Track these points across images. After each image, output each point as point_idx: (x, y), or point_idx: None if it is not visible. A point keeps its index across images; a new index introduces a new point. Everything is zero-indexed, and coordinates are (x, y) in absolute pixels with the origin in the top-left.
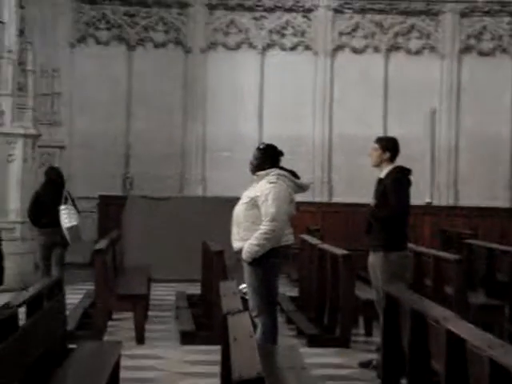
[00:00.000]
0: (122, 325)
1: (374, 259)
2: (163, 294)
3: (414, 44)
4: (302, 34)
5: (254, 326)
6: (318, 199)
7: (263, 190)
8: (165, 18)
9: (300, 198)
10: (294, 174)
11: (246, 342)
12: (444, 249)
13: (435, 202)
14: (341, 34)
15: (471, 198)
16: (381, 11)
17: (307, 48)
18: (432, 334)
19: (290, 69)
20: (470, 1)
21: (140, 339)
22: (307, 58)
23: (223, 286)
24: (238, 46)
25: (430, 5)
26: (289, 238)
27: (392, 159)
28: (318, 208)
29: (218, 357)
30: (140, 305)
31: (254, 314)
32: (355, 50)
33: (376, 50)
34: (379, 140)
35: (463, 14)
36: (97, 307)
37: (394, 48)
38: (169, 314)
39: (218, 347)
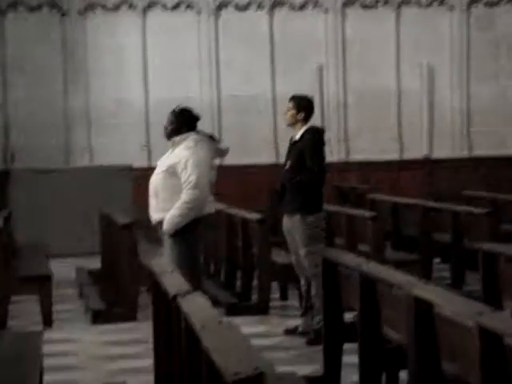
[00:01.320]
0: (22, 307)
1: (290, 223)
2: (61, 270)
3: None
4: None
5: None
6: None
7: (181, 156)
8: None
9: None
10: (212, 137)
11: (219, 330)
12: (340, 205)
13: (329, 159)
14: None
15: (361, 152)
16: None
17: (189, 7)
18: (385, 300)
19: (173, 29)
20: None
21: (48, 322)
22: (190, 18)
23: (157, 264)
24: (117, 7)
25: None
26: (211, 207)
27: (306, 119)
28: None
29: (134, 335)
30: (46, 286)
31: None
32: (239, 8)
33: (260, 6)
34: (293, 99)
35: None
36: None
37: (277, 4)
38: (71, 292)
39: (131, 324)
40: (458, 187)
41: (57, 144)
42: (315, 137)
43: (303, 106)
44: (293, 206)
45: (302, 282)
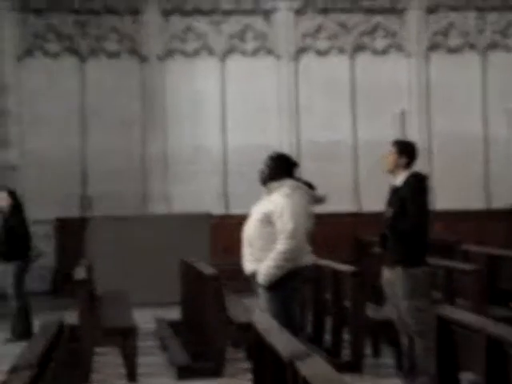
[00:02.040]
0: (105, 360)
1: (391, 275)
2: (140, 321)
3: (380, 43)
4: (263, 37)
5: None
6: None
7: (278, 203)
8: (117, 26)
9: None
10: (309, 185)
11: None
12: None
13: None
14: (303, 35)
15: (448, 200)
16: (344, 10)
17: (269, 52)
18: None
19: (252, 75)
20: None
21: (132, 377)
22: (270, 63)
23: (260, 321)
24: (196, 53)
25: (395, 2)
26: (308, 258)
27: (409, 165)
28: None
29: None
30: (130, 338)
31: None
32: (319, 53)
33: (341, 51)
34: (396, 143)
35: (429, 11)
36: (83, 344)
37: (359, 48)
38: (152, 344)
39: (220, 381)
40: None
41: (134, 191)
42: (418, 183)
43: (406, 150)
44: (395, 257)
45: (405, 339)
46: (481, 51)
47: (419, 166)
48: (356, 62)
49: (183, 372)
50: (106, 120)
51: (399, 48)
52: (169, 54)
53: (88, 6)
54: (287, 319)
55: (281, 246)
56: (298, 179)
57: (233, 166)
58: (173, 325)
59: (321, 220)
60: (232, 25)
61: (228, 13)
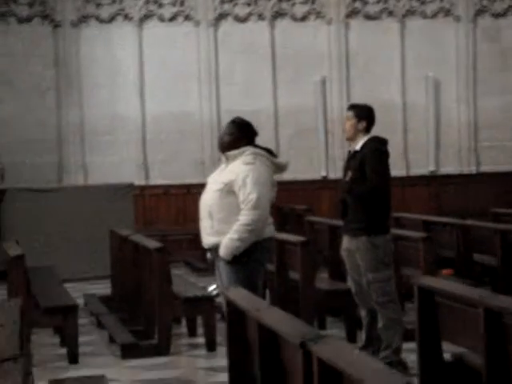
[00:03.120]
0: (40, 340)
1: (352, 244)
2: None
3: (300, 9)
4: (181, 3)
5: None
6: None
7: (239, 172)
8: None
9: (193, 179)
10: (270, 152)
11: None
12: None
13: (331, 176)
14: (222, 1)
15: None
16: None
17: (187, 18)
18: None
19: (170, 41)
20: None
21: (74, 357)
22: (188, 29)
23: (240, 296)
24: (112, 19)
25: None
26: (271, 229)
27: (368, 129)
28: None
29: (173, 373)
30: (71, 317)
31: None
32: (238, 19)
33: (260, 17)
34: (353, 107)
35: None
36: (22, 326)
37: (278, 14)
38: (86, 322)
39: (164, 359)
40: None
41: (49, 162)
42: (378, 147)
43: (364, 115)
44: (357, 226)
45: (364, 312)
46: (399, 18)
47: (338, 134)
48: (275, 29)
49: (127, 350)
50: (17, 89)
51: (318, 14)
52: (83, 19)
53: None
54: (251, 293)
55: (244, 217)
56: (258, 146)
57: (151, 135)
58: (104, 300)
59: None
60: None
61: None
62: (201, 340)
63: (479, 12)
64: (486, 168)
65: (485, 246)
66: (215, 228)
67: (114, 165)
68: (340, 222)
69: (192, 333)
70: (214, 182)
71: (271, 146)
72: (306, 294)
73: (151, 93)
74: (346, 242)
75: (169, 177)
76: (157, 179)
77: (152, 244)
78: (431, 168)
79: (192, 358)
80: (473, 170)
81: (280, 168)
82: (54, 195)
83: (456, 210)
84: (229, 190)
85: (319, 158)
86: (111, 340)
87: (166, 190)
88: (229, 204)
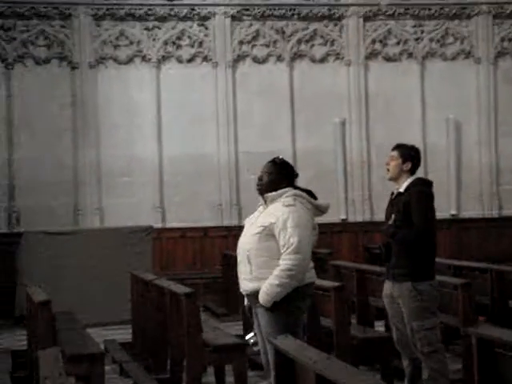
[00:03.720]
0: None
1: (396, 291)
2: None
3: (318, 51)
4: (200, 44)
5: None
6: (226, 222)
7: (279, 215)
8: (46, 31)
9: (209, 222)
10: (311, 193)
11: None
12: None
13: (351, 219)
14: (240, 42)
15: None
16: (282, 17)
17: (206, 59)
18: None
19: (188, 82)
20: (372, 4)
21: None
22: (206, 70)
23: (295, 346)
24: (129, 60)
25: (333, 9)
26: (312, 274)
27: (413, 171)
28: (228, 232)
29: None
30: (97, 365)
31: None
32: (257, 60)
33: (279, 58)
34: (399, 147)
35: (366, 18)
36: (42, 373)
37: (297, 56)
38: (108, 369)
39: None
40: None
41: (65, 204)
42: (424, 189)
43: (410, 155)
44: (401, 271)
45: (406, 362)
46: (419, 60)
47: (357, 176)
48: (294, 70)
49: None
50: (34, 130)
51: (338, 56)
52: (101, 60)
53: (15, 9)
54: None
55: (285, 262)
56: (298, 187)
57: (169, 177)
58: (125, 346)
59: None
60: (167, 31)
61: (163, 18)
62: None
63: (499, 54)
64: (508, 212)
65: None
66: (254, 273)
67: (130, 207)
68: (366, 267)
69: (220, 382)
70: (252, 225)
71: None
72: (340, 341)
73: (168, 134)
74: (389, 288)
75: (185, 219)
76: (173, 222)
77: (181, 289)
78: (452, 211)
79: None
80: (495, 213)
81: (321, 210)
82: (71, 238)
83: (477, 254)
84: (268, 234)
85: (338, 201)
86: None
87: (183, 232)
88: (268, 248)
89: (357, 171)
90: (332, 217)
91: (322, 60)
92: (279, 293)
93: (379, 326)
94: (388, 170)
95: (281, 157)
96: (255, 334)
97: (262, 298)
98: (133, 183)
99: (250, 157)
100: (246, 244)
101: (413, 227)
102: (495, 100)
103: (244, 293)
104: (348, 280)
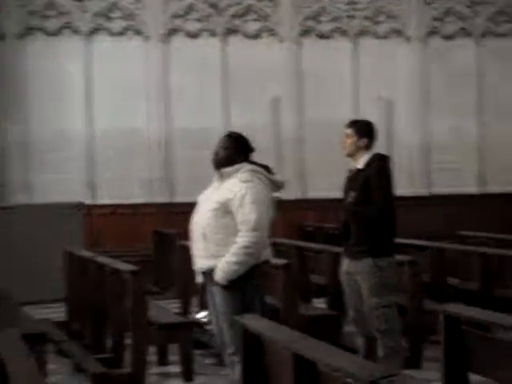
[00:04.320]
0: None
1: (355, 267)
2: None
3: (252, 27)
4: (131, 17)
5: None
6: (158, 199)
7: (236, 191)
8: None
9: (140, 198)
10: (267, 169)
11: None
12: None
13: (284, 196)
14: (173, 16)
15: (319, 189)
16: None
17: (138, 33)
18: None
19: (120, 56)
20: None
21: None
22: (138, 44)
23: (266, 326)
24: (59, 31)
25: None
26: (268, 252)
27: (369, 146)
28: (159, 209)
29: None
30: (39, 345)
31: (229, 351)
32: (190, 34)
33: (212, 33)
34: (353, 124)
35: None
36: None
37: (231, 31)
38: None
39: None
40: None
41: None
42: (384, 165)
43: (365, 131)
44: (361, 248)
45: (362, 340)
46: (351, 37)
47: (289, 153)
48: (228, 46)
49: (99, 380)
50: None
51: (271, 32)
52: (28, 31)
53: None
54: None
55: (243, 239)
56: (254, 163)
57: (99, 151)
58: (60, 326)
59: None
60: (97, 2)
61: None
62: (173, 369)
63: (430, 33)
64: (437, 190)
65: (457, 269)
66: (210, 250)
67: (60, 183)
68: (304, 244)
69: (163, 361)
70: (207, 201)
71: None
72: (289, 319)
73: (99, 108)
74: (347, 265)
75: (117, 196)
76: (105, 198)
77: (126, 267)
78: None
79: None
80: (425, 192)
81: (278, 186)
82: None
83: (407, 232)
84: (225, 210)
85: None
86: (77, 369)
87: (114, 209)
88: (225, 225)
89: (290, 148)
90: None
91: (256, 36)
92: (236, 270)
93: (319, 303)
94: (344, 147)
95: (235, 131)
96: (210, 313)
97: (218, 275)
98: (62, 158)
99: (182, 133)
100: (201, 221)
101: (373, 203)
102: (427, 79)
103: (199, 270)
104: (288, 258)
